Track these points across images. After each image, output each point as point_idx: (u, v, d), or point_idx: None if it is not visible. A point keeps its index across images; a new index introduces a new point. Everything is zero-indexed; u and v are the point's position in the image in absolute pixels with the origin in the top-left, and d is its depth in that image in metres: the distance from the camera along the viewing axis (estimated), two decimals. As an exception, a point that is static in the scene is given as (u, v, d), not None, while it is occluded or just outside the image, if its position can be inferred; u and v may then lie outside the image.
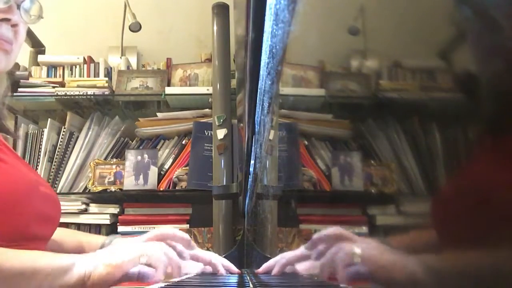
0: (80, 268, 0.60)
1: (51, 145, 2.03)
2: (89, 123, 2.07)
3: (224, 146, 1.91)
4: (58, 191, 1.96)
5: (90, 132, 2.05)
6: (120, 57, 2.22)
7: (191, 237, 1.96)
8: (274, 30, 0.45)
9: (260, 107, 0.65)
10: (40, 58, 2.20)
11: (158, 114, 2.07)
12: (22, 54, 2.17)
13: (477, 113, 0.28)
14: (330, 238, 0.59)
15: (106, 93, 2.07)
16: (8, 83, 0.84)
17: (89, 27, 2.32)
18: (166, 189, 1.95)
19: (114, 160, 2.01)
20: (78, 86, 2.07)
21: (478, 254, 0.26)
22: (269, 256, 1.25)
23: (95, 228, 1.97)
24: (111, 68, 2.19)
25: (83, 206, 1.94)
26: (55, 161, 2.01)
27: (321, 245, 0.59)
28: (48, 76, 2.15)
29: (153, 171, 1.96)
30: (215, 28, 2.01)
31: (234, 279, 0.72)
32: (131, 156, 1.98)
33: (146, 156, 1.98)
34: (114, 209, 1.97)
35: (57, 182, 1.99)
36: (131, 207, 2.00)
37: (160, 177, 1.97)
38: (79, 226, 1.97)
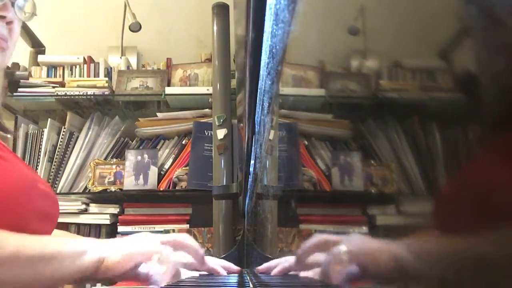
0: (95, 253, 0.61)
1: (51, 145, 2.03)
2: (89, 123, 2.07)
3: (224, 146, 1.91)
4: (58, 191, 1.96)
5: (90, 132, 2.05)
6: (120, 57, 2.22)
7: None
8: (274, 30, 0.45)
9: (260, 107, 0.65)
10: (40, 58, 2.20)
11: (158, 114, 2.07)
12: (22, 54, 2.17)
13: (478, 113, 0.28)
14: (315, 246, 0.60)
15: (106, 93, 2.07)
16: (5, 82, 0.84)
17: (89, 27, 2.32)
18: (166, 189, 1.95)
19: (114, 160, 2.01)
20: (78, 86, 2.07)
21: (476, 251, 0.26)
22: (269, 256, 1.25)
23: (95, 228, 1.97)
24: (111, 68, 2.19)
25: (83, 206, 1.94)
26: (55, 161, 2.01)
27: (309, 255, 0.60)
28: (48, 76, 2.15)
29: (153, 171, 1.96)
30: (215, 28, 2.02)
31: (234, 279, 0.72)
32: (131, 156, 1.98)
33: (146, 156, 1.98)
34: (114, 209, 1.97)
35: (57, 182, 1.99)
36: (131, 207, 2.01)
37: (160, 177, 1.97)
38: (79, 226, 1.97)
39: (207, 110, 2.04)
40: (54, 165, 2.01)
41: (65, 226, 1.95)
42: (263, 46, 0.43)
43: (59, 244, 0.60)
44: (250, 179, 1.04)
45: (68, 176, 1.99)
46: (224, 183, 1.86)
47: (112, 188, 1.96)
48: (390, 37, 0.45)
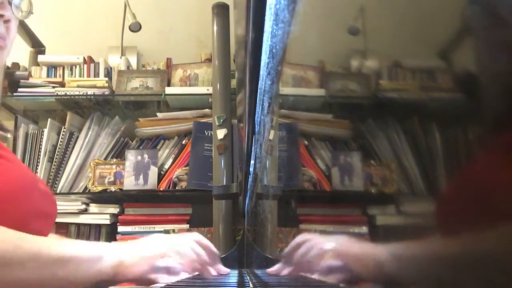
0: (112, 256, 0.62)
1: (51, 145, 2.03)
2: (89, 123, 2.07)
3: (224, 146, 1.91)
4: (58, 191, 1.96)
5: (90, 132, 2.05)
6: (120, 57, 2.22)
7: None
8: (274, 30, 0.45)
9: (260, 107, 0.65)
10: (40, 58, 2.20)
11: (158, 114, 2.07)
12: (22, 54, 2.17)
13: (478, 113, 0.28)
14: (300, 245, 0.63)
15: (106, 93, 2.07)
16: (5, 82, 0.86)
17: (89, 27, 2.32)
18: (166, 189, 1.95)
19: (114, 160, 2.01)
20: (78, 86, 2.07)
21: (475, 251, 0.26)
22: (269, 256, 1.25)
23: (95, 228, 1.97)
24: (111, 68, 2.19)
25: (83, 206, 1.94)
26: (55, 161, 2.01)
27: (297, 254, 0.63)
28: (48, 76, 2.15)
29: (153, 171, 1.96)
30: (215, 28, 2.02)
31: (234, 279, 0.72)
32: (131, 156, 1.98)
33: (146, 156, 1.98)
34: (114, 209, 1.97)
35: (57, 182, 1.99)
36: (131, 207, 2.01)
37: (160, 177, 1.97)
38: (79, 226, 1.97)
39: (207, 110, 2.04)
40: (54, 165, 2.01)
41: (65, 226, 1.95)
42: (263, 46, 0.43)
43: (78, 247, 0.61)
44: (250, 179, 1.04)
45: (68, 176, 1.99)
46: (224, 183, 1.86)
47: (112, 188, 1.96)
48: (390, 37, 0.45)
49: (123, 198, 1.99)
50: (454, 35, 0.30)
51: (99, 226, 1.97)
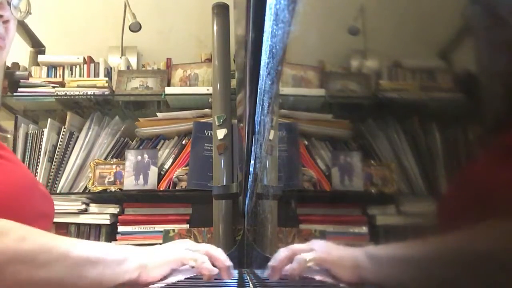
0: (136, 259, 0.64)
1: (51, 145, 2.03)
2: (89, 123, 2.07)
3: (224, 146, 1.91)
4: (58, 191, 1.97)
5: (90, 132, 2.05)
6: (120, 57, 2.22)
7: (191, 237, 1.96)
8: (274, 30, 0.45)
9: (260, 107, 0.65)
10: (40, 58, 2.20)
11: (158, 114, 2.07)
12: (22, 54, 2.17)
13: (478, 113, 0.28)
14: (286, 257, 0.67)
15: (106, 93, 2.07)
16: (4, 82, 0.86)
17: (89, 27, 2.32)
18: (166, 189, 1.95)
19: (114, 160, 2.01)
20: (78, 86, 2.07)
21: (473, 251, 0.26)
22: (269, 256, 1.25)
23: (95, 228, 1.97)
24: (111, 68, 2.19)
25: (83, 206, 1.94)
26: (55, 161, 2.01)
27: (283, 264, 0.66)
28: (48, 76, 2.15)
29: (153, 171, 1.96)
30: (215, 28, 2.02)
31: (234, 279, 0.72)
32: (131, 156, 1.98)
33: (146, 156, 1.98)
34: (114, 209, 1.97)
35: (57, 182, 1.99)
36: (131, 207, 2.01)
37: (160, 177, 1.97)
38: (79, 226, 1.97)
39: (207, 110, 2.04)
40: (54, 165, 2.01)
41: (65, 226, 1.95)
42: (263, 46, 0.43)
43: (104, 249, 0.62)
44: (250, 179, 1.04)
45: (68, 176, 1.99)
46: (224, 183, 1.86)
47: (112, 188, 1.96)
48: (390, 37, 0.45)
49: (123, 198, 1.99)
50: (454, 35, 0.30)
51: (99, 226, 1.97)
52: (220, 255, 0.72)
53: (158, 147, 2.03)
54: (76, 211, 1.93)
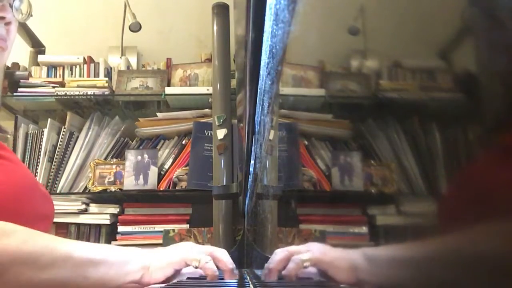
0: (139, 260, 0.64)
1: (51, 145, 2.03)
2: (89, 123, 2.07)
3: (224, 146, 1.91)
4: (58, 191, 1.97)
5: (90, 132, 2.05)
6: (120, 57, 2.22)
7: (191, 237, 1.96)
8: (274, 30, 0.45)
9: (260, 107, 0.65)
10: (40, 58, 2.20)
11: (158, 114, 2.07)
12: (22, 54, 2.17)
13: (478, 113, 0.28)
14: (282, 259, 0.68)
15: (106, 93, 2.07)
16: (4, 82, 0.87)
17: (89, 27, 2.32)
18: (166, 189, 1.95)
19: (114, 160, 2.01)
20: (78, 86, 2.07)
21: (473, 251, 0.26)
22: (269, 256, 1.25)
23: (95, 228, 1.98)
24: (111, 68, 2.19)
25: (83, 206, 1.94)
26: (55, 161, 2.01)
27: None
28: (48, 76, 2.15)
29: (153, 171, 1.96)
30: (215, 28, 2.02)
31: (234, 279, 0.72)
32: (131, 156, 1.98)
33: (146, 156, 1.98)
34: (114, 209, 1.97)
35: (57, 182, 1.99)
36: (131, 207, 2.01)
37: (160, 177, 1.97)
38: (79, 226, 1.97)
39: (207, 110, 2.04)
40: (54, 165, 2.01)
41: (65, 226, 1.95)
42: (263, 46, 0.43)
43: (107, 250, 0.63)
44: (250, 179, 1.04)
45: (68, 176, 1.99)
46: (224, 183, 1.86)
47: (112, 188, 1.96)
48: (390, 37, 0.45)
49: (123, 198, 1.99)
50: (454, 35, 0.30)
51: (99, 226, 1.97)
52: (224, 256, 0.72)
53: (158, 147, 2.03)
54: (76, 211, 1.93)
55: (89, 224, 1.97)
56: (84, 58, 2.18)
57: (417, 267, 0.34)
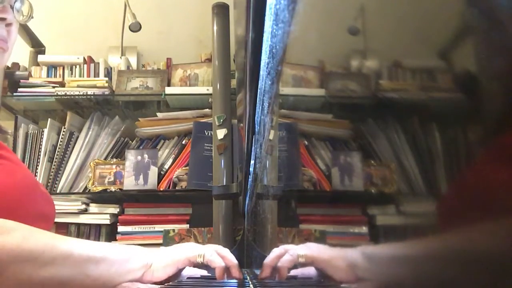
0: (140, 258, 0.64)
1: (51, 145, 2.03)
2: (89, 123, 2.07)
3: (224, 146, 1.91)
4: (58, 191, 1.97)
5: (90, 132, 2.05)
6: (120, 57, 2.22)
7: (191, 237, 1.96)
8: (274, 30, 0.45)
9: (260, 107, 0.65)
10: (40, 58, 2.20)
11: (158, 114, 2.07)
12: (22, 54, 2.17)
13: (478, 113, 0.28)
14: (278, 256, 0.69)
15: (106, 93, 2.07)
16: (4, 82, 0.87)
17: (89, 27, 2.32)
18: (166, 189, 1.95)
19: (114, 160, 2.01)
20: (78, 86, 2.07)
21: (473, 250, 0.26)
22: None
23: (95, 228, 1.97)
24: (111, 68, 2.19)
25: (83, 206, 1.94)
26: (55, 161, 2.01)
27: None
28: (48, 76, 2.15)
29: (153, 171, 1.96)
30: (215, 28, 2.02)
31: (234, 279, 0.72)
32: (131, 156, 1.98)
33: (146, 156, 1.98)
34: (114, 209, 1.97)
35: (57, 182, 1.99)
36: (131, 207, 2.01)
37: (160, 177, 1.97)
38: (79, 226, 1.97)
39: (207, 110, 2.04)
40: (54, 165, 2.01)
41: (65, 226, 1.95)
42: (263, 46, 0.43)
43: (107, 248, 0.62)
44: (250, 179, 1.04)
45: (68, 176, 1.99)
46: (224, 183, 1.86)
47: (112, 188, 1.96)
48: (390, 37, 0.45)
49: (123, 198, 1.99)
50: (454, 35, 0.30)
51: (99, 226, 1.97)
52: (228, 253, 0.72)
53: (158, 147, 2.03)
54: (76, 211, 1.93)
55: (89, 224, 1.97)
56: (84, 58, 2.18)
57: (416, 267, 0.34)
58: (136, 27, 2.15)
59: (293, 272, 0.77)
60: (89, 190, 1.96)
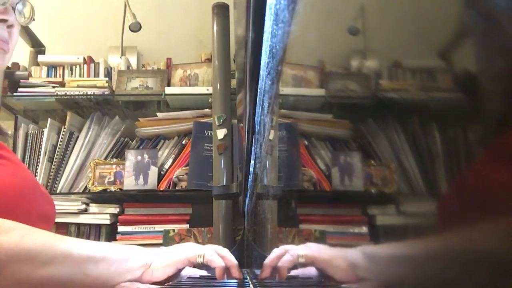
0: (140, 258, 0.64)
1: (51, 145, 2.03)
2: (89, 123, 2.07)
3: (224, 146, 1.91)
4: (58, 191, 1.97)
5: (90, 132, 2.05)
6: (120, 57, 2.22)
7: (191, 237, 1.95)
8: (274, 30, 0.45)
9: (260, 107, 0.65)
10: (40, 58, 2.20)
11: (158, 114, 2.07)
12: (22, 54, 2.17)
13: (478, 113, 0.28)
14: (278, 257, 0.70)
15: (106, 93, 2.07)
16: (4, 82, 0.87)
17: (89, 27, 2.32)
18: (166, 189, 1.95)
19: (114, 160, 2.01)
20: (78, 86, 2.07)
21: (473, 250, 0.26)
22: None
23: (95, 228, 1.97)
24: (111, 68, 2.19)
25: (83, 206, 1.94)
26: (55, 161, 2.01)
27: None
28: (48, 76, 2.15)
29: (153, 171, 1.96)
30: (215, 28, 2.02)
31: (234, 279, 0.72)
32: (131, 156, 1.98)
33: (146, 156, 1.98)
34: (114, 209, 1.97)
35: (57, 182, 1.99)
36: (131, 207, 2.00)
37: (160, 177, 1.97)
38: (79, 226, 1.97)
39: (207, 110, 2.04)
40: (54, 165, 2.01)
41: (65, 226, 1.95)
42: (263, 46, 0.43)
43: (107, 248, 0.62)
44: (250, 179, 1.04)
45: (68, 176, 1.99)
46: (224, 183, 1.86)
47: (112, 188, 1.96)
48: (390, 37, 0.45)
49: (123, 198, 1.99)
50: (454, 35, 0.30)
51: (99, 226, 1.97)
52: (228, 254, 0.72)
53: (158, 147, 2.03)
54: (76, 211, 1.93)
55: (89, 224, 1.97)
56: (84, 58, 2.18)
57: (416, 266, 0.34)
58: (136, 27, 2.15)
59: (293, 272, 0.77)
60: (89, 190, 1.96)
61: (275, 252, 0.70)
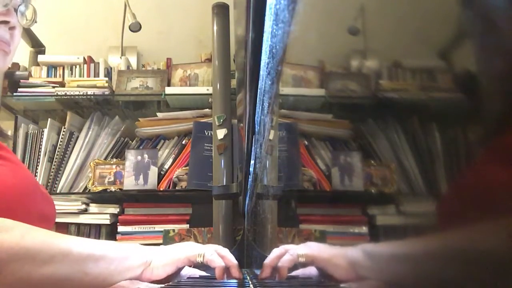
0: (140, 256, 0.64)
1: (51, 145, 2.03)
2: (89, 123, 2.07)
3: (224, 146, 1.91)
4: (58, 191, 1.97)
5: (90, 132, 2.05)
6: (120, 57, 2.22)
7: (191, 237, 1.96)
8: (274, 30, 0.45)
9: (260, 107, 0.65)
10: (40, 58, 2.20)
11: (158, 114, 2.07)
12: (22, 54, 2.17)
13: (478, 113, 0.28)
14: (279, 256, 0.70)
15: (106, 93, 2.07)
16: (4, 83, 0.87)
17: (89, 27, 2.32)
18: (166, 189, 1.95)
19: (114, 160, 2.01)
20: (78, 86, 2.07)
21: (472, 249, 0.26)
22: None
23: (95, 228, 1.97)
24: (111, 68, 2.19)
25: (83, 206, 1.94)
26: (55, 161, 2.01)
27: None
28: (48, 76, 2.15)
29: (153, 171, 1.96)
30: (215, 28, 2.02)
31: (234, 279, 0.72)
32: (131, 156, 1.98)
33: (146, 156, 1.98)
34: (114, 209, 1.97)
35: (57, 182, 1.99)
36: (131, 207, 2.01)
37: (160, 177, 1.97)
38: (79, 226, 1.97)
39: (207, 110, 2.04)
40: (54, 165, 2.01)
41: (65, 226, 1.95)
42: (263, 46, 0.43)
43: (107, 246, 0.62)
44: (250, 179, 1.04)
45: (68, 176, 1.99)
46: (224, 183, 1.86)
47: (112, 188, 1.96)
48: (390, 37, 0.45)
49: (123, 198, 1.99)
50: (454, 36, 0.30)
51: (99, 226, 1.97)
52: (227, 253, 0.72)
53: (158, 147, 2.03)
54: (76, 211, 1.93)
55: (89, 224, 1.97)
56: (84, 58, 2.18)
57: (416, 266, 0.34)
58: (136, 27, 2.14)
59: (293, 272, 0.77)
60: (89, 190, 1.96)
61: (275, 252, 0.70)
